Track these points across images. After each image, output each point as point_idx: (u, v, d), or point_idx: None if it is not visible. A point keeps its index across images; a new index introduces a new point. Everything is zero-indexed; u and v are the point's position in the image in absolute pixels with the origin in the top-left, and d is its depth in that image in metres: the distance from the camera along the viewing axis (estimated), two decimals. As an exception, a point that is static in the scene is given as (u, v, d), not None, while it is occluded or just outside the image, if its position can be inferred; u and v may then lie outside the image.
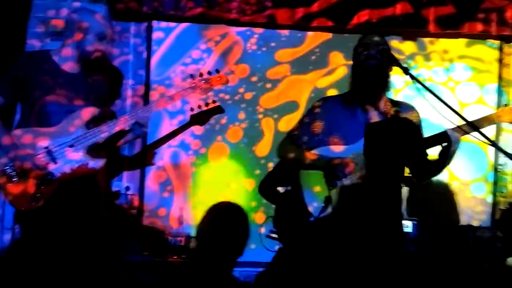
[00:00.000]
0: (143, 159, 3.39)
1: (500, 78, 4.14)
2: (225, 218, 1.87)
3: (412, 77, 2.03)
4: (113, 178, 3.36)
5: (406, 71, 2.06)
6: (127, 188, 3.82)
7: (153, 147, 3.17)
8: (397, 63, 2.11)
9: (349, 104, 2.22)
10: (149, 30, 4.01)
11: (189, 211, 3.95)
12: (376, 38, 2.22)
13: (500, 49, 4.15)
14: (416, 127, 2.26)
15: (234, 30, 4.06)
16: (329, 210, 2.11)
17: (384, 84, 2.20)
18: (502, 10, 3.87)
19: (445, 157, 2.13)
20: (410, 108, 2.31)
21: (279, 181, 3.07)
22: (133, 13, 3.81)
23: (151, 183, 3.98)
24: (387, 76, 2.20)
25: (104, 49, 2.32)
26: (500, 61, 4.15)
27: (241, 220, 1.89)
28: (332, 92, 3.82)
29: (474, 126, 2.01)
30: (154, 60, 4.02)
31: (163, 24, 4.03)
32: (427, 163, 2.24)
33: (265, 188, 3.49)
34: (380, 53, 2.14)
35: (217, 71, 2.55)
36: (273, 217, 3.25)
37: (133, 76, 3.99)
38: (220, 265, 1.81)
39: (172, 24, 4.03)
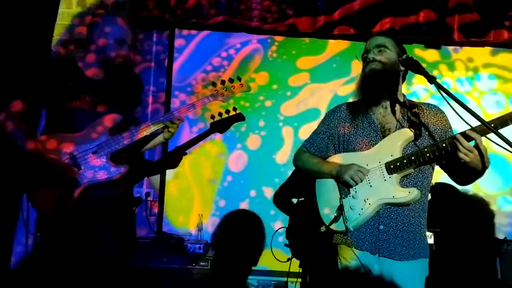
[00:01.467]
0: (165, 165, 3.42)
1: (526, 87, 4.05)
2: (240, 226, 1.86)
3: (438, 85, 1.96)
4: (134, 184, 3.39)
5: (431, 80, 1.99)
6: (148, 194, 3.84)
7: (174, 154, 3.18)
8: (423, 71, 2.05)
9: (362, 110, 2.17)
10: (171, 37, 4.05)
11: (208, 218, 3.94)
12: (378, 40, 2.17)
13: (527, 57, 4.07)
14: (444, 126, 2.14)
15: (255, 37, 4.08)
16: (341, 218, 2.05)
17: (390, 85, 2.12)
18: (529, 17, 3.79)
19: (462, 164, 1.96)
20: (432, 107, 2.20)
21: (294, 191, 3.05)
22: (156, 20, 3.85)
23: (171, 189, 3.98)
24: (392, 76, 2.12)
25: (126, 55, 2.34)
26: (527, 69, 4.06)
27: (256, 228, 1.87)
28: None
29: (499, 133, 1.87)
30: (176, 67, 4.06)
31: (185, 31, 4.07)
32: (452, 167, 2.09)
33: (280, 198, 3.49)
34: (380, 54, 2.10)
35: (239, 78, 2.53)
36: (287, 228, 3.24)
37: (154, 83, 4.02)
38: (236, 273, 1.79)
39: (194, 32, 4.06)
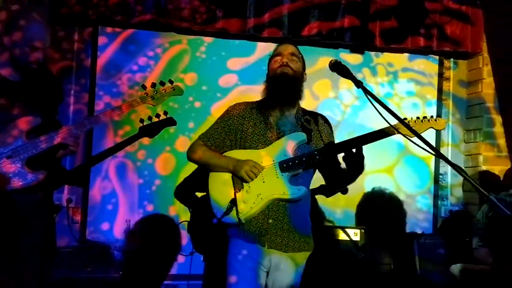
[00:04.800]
0: (86, 172, 3.24)
1: (440, 91, 4.34)
2: (153, 230, 1.81)
3: (365, 90, 2.04)
4: (54, 191, 3.18)
5: (359, 84, 2.07)
6: (69, 201, 3.63)
7: (98, 160, 3.03)
8: (350, 76, 2.12)
9: (262, 110, 2.32)
10: (95, 35, 3.85)
11: (135, 224, 3.80)
12: (292, 49, 2.33)
13: (441, 63, 4.36)
14: (330, 134, 2.37)
15: (183, 37, 3.99)
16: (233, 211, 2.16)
17: (296, 92, 2.29)
18: (442, 26, 4.06)
19: (355, 165, 2.18)
20: (322, 117, 2.42)
21: (196, 186, 3.02)
22: (78, 17, 3.65)
23: (95, 195, 3.80)
24: (299, 85, 2.29)
25: (43, 55, 2.19)
26: (440, 75, 4.35)
27: (171, 232, 1.84)
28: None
29: (417, 133, 1.99)
30: (99, 66, 3.86)
31: (109, 29, 3.89)
32: (340, 171, 2.31)
33: (182, 192, 3.44)
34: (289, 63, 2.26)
35: (171, 81, 2.45)
36: (188, 222, 3.23)
37: (76, 82, 3.81)
38: (150, 278, 1.75)
39: (119, 30, 3.89)
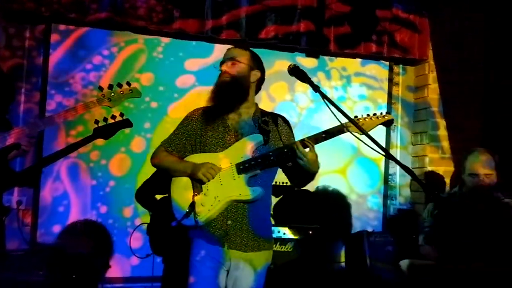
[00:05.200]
0: (37, 173, 3.14)
1: (390, 96, 4.53)
2: (84, 235, 1.82)
3: (322, 94, 2.13)
4: (4, 192, 3.06)
5: (316, 88, 2.17)
6: (19, 203, 3.50)
7: (49, 161, 2.94)
8: (308, 80, 2.21)
9: (216, 114, 2.36)
10: (47, 33, 3.73)
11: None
12: (232, 53, 2.39)
13: (390, 69, 4.55)
14: (288, 134, 2.43)
15: (140, 36, 3.94)
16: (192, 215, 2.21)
17: (237, 97, 2.34)
18: (392, 34, 4.24)
19: (299, 167, 2.26)
20: (281, 118, 2.47)
21: (156, 188, 3.03)
22: (30, 14, 3.52)
23: (46, 197, 3.68)
24: (239, 89, 2.34)
25: None
26: (390, 80, 4.54)
27: (101, 237, 1.85)
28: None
29: (365, 132, 2.08)
30: (52, 64, 3.75)
31: (62, 27, 3.78)
32: (291, 170, 2.40)
33: (142, 194, 3.44)
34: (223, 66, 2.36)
35: (128, 83, 2.43)
36: (148, 224, 3.24)
37: (27, 81, 3.67)
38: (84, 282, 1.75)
39: (72, 27, 3.80)
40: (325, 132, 2.26)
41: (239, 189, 2.23)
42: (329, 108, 2.07)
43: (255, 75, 2.40)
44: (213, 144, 2.32)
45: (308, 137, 2.26)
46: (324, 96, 2.09)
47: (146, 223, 3.25)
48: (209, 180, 2.22)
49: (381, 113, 2.37)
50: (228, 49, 2.45)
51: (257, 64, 2.43)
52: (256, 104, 2.45)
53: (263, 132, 2.32)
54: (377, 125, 2.32)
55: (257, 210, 2.30)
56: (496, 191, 3.19)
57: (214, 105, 2.34)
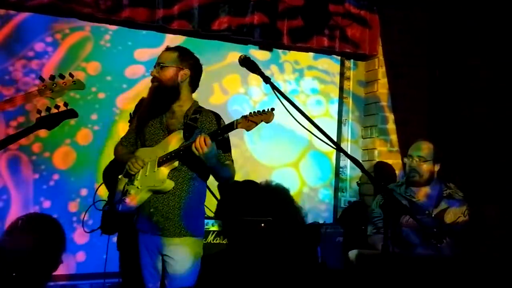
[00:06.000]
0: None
1: (342, 90, 4.60)
2: (32, 231, 1.73)
3: (273, 86, 2.13)
4: None
5: (267, 80, 2.16)
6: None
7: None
8: (259, 72, 2.20)
9: (152, 115, 2.59)
10: (-16, 17, 3.49)
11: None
12: (161, 58, 2.58)
13: (342, 63, 4.61)
14: (209, 130, 2.49)
15: (86, 24, 3.77)
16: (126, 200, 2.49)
17: (170, 97, 2.54)
18: (344, 29, 4.30)
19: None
20: (213, 115, 2.60)
21: (120, 169, 2.99)
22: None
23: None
24: (168, 92, 2.52)
25: None
26: (342, 74, 4.61)
27: (52, 232, 1.78)
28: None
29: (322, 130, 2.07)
30: (-12, 51, 3.52)
31: (2, 11, 3.54)
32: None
33: (106, 175, 3.33)
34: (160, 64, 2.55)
35: (71, 75, 2.34)
36: (105, 203, 3.16)
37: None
38: (32, 280, 1.67)
39: (13, 12, 3.56)
40: (220, 128, 2.43)
41: (155, 180, 2.46)
42: (279, 99, 2.09)
43: (184, 74, 2.54)
44: (151, 140, 2.58)
45: (208, 133, 2.37)
46: (274, 87, 2.12)
47: (104, 200, 3.13)
48: (133, 171, 2.52)
49: (264, 110, 2.31)
50: (161, 53, 2.63)
51: (186, 63, 2.56)
52: (194, 101, 2.63)
53: (187, 128, 2.49)
54: (260, 122, 2.30)
55: (176, 198, 2.50)
56: (440, 183, 3.33)
57: (149, 107, 2.58)
